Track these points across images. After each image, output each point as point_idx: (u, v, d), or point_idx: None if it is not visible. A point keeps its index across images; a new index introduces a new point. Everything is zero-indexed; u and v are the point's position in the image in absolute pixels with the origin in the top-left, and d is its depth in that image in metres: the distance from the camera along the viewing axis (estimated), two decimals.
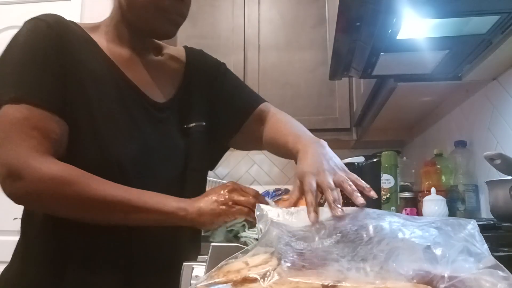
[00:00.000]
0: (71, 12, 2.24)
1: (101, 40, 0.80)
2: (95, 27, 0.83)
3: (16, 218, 2.34)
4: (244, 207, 0.68)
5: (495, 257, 0.48)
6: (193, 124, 0.85)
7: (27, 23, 0.76)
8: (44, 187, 0.65)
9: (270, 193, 2.22)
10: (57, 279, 0.70)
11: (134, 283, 0.72)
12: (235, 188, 0.71)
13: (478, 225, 0.54)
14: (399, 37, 0.95)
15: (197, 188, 0.80)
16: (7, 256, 2.35)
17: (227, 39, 2.27)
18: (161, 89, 0.84)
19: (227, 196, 0.69)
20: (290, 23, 2.30)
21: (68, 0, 2.28)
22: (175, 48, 0.94)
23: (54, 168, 0.66)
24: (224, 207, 0.68)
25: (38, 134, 0.66)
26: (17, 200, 0.67)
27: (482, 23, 0.90)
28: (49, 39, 0.72)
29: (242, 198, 0.69)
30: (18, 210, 2.33)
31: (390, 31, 0.93)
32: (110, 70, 0.78)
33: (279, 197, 2.20)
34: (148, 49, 0.86)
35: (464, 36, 0.95)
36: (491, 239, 0.53)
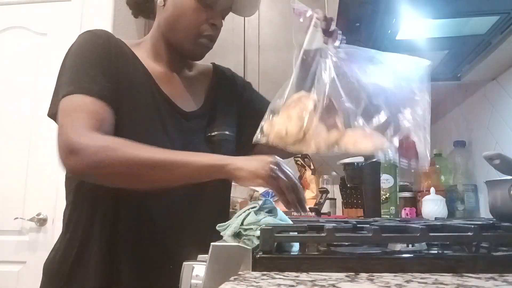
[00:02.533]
0: (72, 13, 2.24)
1: (142, 55, 0.90)
2: (138, 43, 0.94)
3: (16, 218, 2.34)
4: (284, 185, 0.71)
5: (495, 257, 0.49)
6: (216, 133, 0.94)
7: (81, 35, 0.86)
8: (95, 157, 0.72)
9: (270, 193, 2.22)
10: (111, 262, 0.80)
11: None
12: (279, 163, 0.72)
13: (478, 224, 0.54)
14: (398, 37, 0.96)
15: (219, 191, 0.87)
16: (7, 256, 2.37)
17: (227, 39, 2.27)
18: (190, 101, 0.95)
19: (271, 166, 0.71)
20: (290, 24, 2.30)
21: (68, 1, 2.28)
22: (203, 64, 1.04)
23: (99, 139, 0.74)
24: (264, 172, 0.70)
25: (88, 115, 0.76)
26: (77, 174, 0.76)
27: (481, 24, 0.90)
28: (99, 47, 0.83)
29: (282, 176, 0.71)
30: (18, 210, 2.36)
31: (389, 31, 0.93)
32: (148, 82, 0.88)
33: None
34: (182, 66, 0.98)
35: (464, 36, 0.96)
36: (490, 239, 0.53)
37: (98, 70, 0.81)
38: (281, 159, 0.74)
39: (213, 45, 0.93)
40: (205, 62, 2.34)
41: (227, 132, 0.96)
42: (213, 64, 1.07)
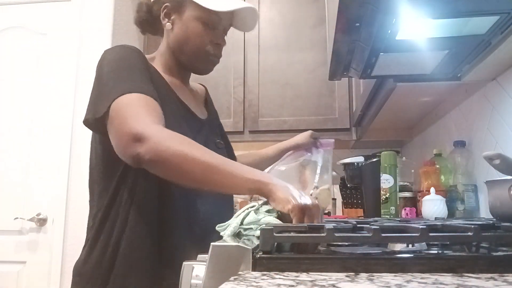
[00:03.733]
0: (72, 13, 2.24)
1: (157, 69, 0.98)
2: (152, 58, 1.03)
3: (16, 218, 2.34)
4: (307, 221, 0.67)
5: (495, 257, 0.49)
6: (219, 141, 1.08)
7: (114, 48, 0.93)
8: (162, 146, 0.75)
9: None
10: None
11: None
12: (313, 202, 0.70)
13: (478, 224, 0.54)
14: (398, 37, 0.96)
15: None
16: (7, 256, 2.37)
17: (227, 39, 2.27)
18: (199, 110, 1.05)
19: (305, 200, 0.68)
20: (290, 24, 2.30)
21: (68, 1, 2.28)
22: (195, 83, 1.18)
23: (165, 131, 0.79)
24: (296, 202, 0.67)
25: (149, 110, 0.81)
26: (141, 161, 0.77)
27: (481, 24, 0.90)
28: (139, 57, 0.92)
29: (310, 213, 0.67)
30: (18, 210, 2.36)
31: (389, 31, 0.93)
32: (169, 92, 0.97)
33: None
34: (188, 79, 1.10)
35: (464, 36, 0.95)
36: (490, 239, 0.53)
37: (144, 76, 0.88)
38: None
39: (218, 61, 1.05)
40: None
41: (222, 142, 1.09)
42: (204, 85, 1.22)
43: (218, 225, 0.68)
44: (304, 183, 2.31)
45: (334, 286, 0.38)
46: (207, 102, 1.18)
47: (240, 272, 0.47)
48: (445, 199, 1.32)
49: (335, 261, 0.48)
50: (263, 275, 0.45)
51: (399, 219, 1.11)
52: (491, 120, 1.27)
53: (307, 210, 0.65)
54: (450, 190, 1.38)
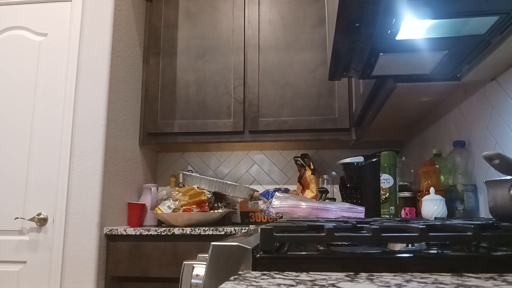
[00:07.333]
0: (72, 13, 2.24)
1: None
2: None
3: (17, 218, 2.34)
4: None
5: (494, 256, 0.49)
6: None
7: None
8: None
9: (270, 193, 2.22)
10: None
11: None
12: None
13: (477, 224, 0.55)
14: (398, 37, 0.96)
15: None
16: (7, 256, 2.38)
17: (228, 39, 2.28)
18: None
19: None
20: (290, 24, 2.31)
21: (68, 1, 2.28)
22: None
23: None
24: None
25: None
26: None
27: (481, 24, 0.90)
28: None
29: None
30: (18, 210, 2.37)
31: (389, 31, 0.93)
32: None
33: None
34: None
35: (463, 36, 0.96)
36: (490, 239, 0.53)
37: None
38: None
39: None
40: (207, 61, 2.38)
41: None
42: None
43: None
44: (305, 185, 2.31)
45: (334, 285, 0.39)
46: None
47: (240, 272, 0.47)
48: (444, 199, 1.32)
49: (335, 261, 0.48)
50: (263, 274, 0.45)
51: (398, 219, 1.11)
52: (490, 120, 1.27)
53: None
54: (449, 190, 1.38)
